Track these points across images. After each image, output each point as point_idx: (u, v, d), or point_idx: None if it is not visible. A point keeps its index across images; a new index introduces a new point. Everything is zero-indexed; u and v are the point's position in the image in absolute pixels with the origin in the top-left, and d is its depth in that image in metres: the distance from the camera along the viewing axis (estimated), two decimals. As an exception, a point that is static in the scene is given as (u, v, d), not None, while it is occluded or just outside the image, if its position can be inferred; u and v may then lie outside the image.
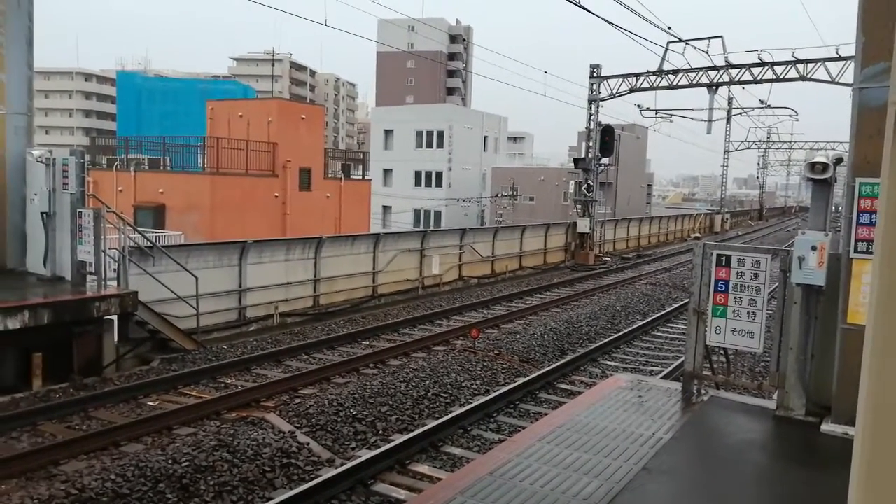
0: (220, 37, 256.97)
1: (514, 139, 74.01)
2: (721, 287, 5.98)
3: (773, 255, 5.94)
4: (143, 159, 27.27)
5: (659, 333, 14.02)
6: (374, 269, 16.93)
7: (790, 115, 42.98)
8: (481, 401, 8.54)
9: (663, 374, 10.12)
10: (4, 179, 11.31)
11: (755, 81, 24.24)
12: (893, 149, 1.35)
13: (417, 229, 35.20)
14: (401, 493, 6.17)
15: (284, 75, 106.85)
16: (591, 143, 27.89)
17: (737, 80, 24.70)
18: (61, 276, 10.73)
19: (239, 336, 12.88)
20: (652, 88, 26.33)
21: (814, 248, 5.38)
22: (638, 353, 12.30)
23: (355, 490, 6.21)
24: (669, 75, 25.46)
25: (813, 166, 5.69)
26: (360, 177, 33.44)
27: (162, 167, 26.71)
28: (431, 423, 7.68)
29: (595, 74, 27.56)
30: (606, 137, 27.42)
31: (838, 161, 5.80)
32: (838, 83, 22.15)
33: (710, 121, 29.18)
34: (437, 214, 50.53)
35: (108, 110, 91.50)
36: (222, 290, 13.16)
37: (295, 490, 5.88)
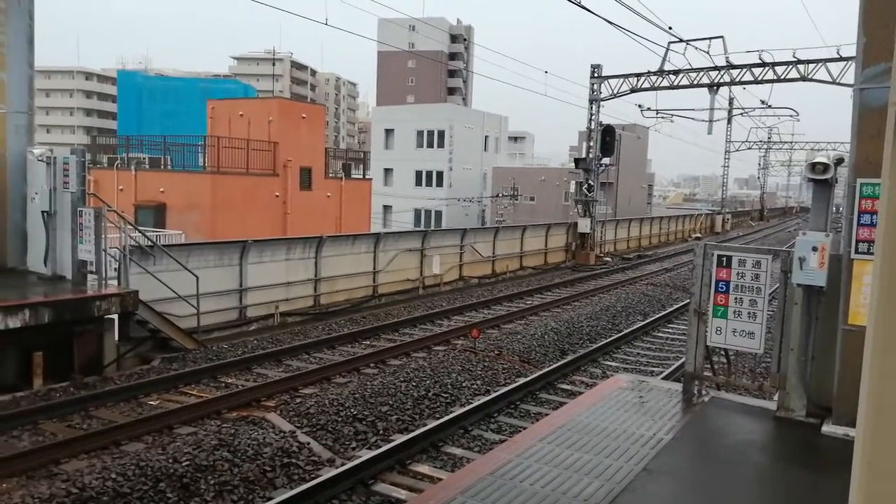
0: (220, 36, 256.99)
1: (515, 139, 74.07)
2: (722, 287, 5.97)
3: (774, 256, 5.93)
4: (144, 158, 27.28)
5: (660, 334, 14.02)
6: (374, 268, 16.94)
7: (791, 116, 42.97)
8: (482, 401, 8.54)
9: (664, 374, 10.12)
10: (5, 178, 11.31)
11: (756, 82, 24.24)
12: (894, 149, 1.35)
13: (418, 229, 35.20)
14: (401, 493, 6.17)
15: (285, 74, 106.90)
16: (591, 144, 27.89)
17: (738, 80, 24.71)
18: (62, 275, 10.73)
19: (239, 335, 12.88)
20: (653, 88, 26.33)
21: (815, 249, 5.38)
22: (639, 354, 12.30)
23: (356, 490, 6.21)
24: (670, 75, 25.45)
25: (814, 167, 5.69)
26: (361, 176, 33.44)
27: (163, 166, 26.72)
28: (432, 423, 7.68)
29: (596, 74, 27.56)
30: (607, 137, 27.41)
31: (839, 162, 5.79)
32: (839, 84, 22.15)
33: (711, 121, 29.22)
34: (438, 214, 50.53)
35: (108, 109, 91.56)
36: (223, 290, 13.17)
37: (295, 490, 5.88)
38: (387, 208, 49.98)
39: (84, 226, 10.44)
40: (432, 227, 33.52)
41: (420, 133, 53.21)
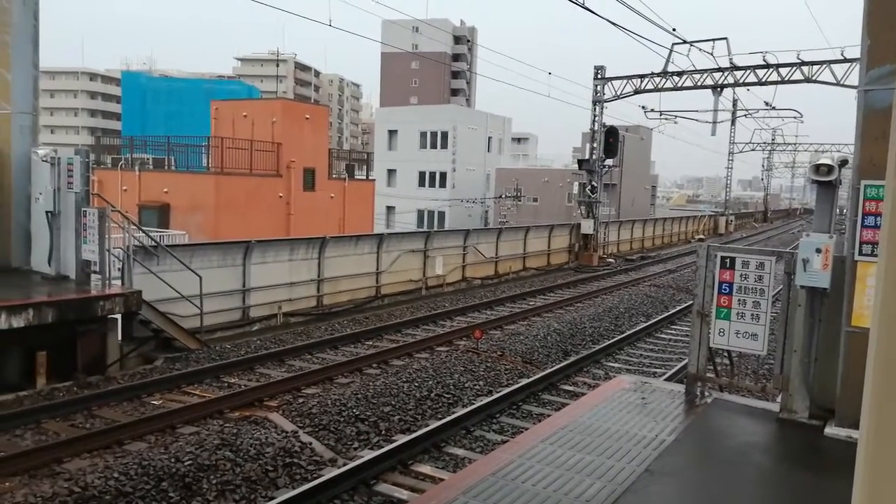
0: (224, 37, 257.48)
1: (518, 140, 74.07)
2: (725, 289, 5.96)
3: (778, 258, 5.92)
4: (148, 159, 27.37)
5: (662, 335, 14.00)
6: (377, 269, 16.95)
7: (795, 117, 42.88)
8: (484, 402, 8.53)
9: (666, 375, 10.10)
10: (10, 178, 11.35)
11: (760, 83, 24.20)
12: (899, 151, 1.34)
13: (421, 230, 35.24)
14: (403, 494, 6.17)
15: (289, 76, 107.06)
16: (595, 145, 27.85)
17: (741, 81, 24.68)
18: (66, 275, 10.76)
19: (242, 335, 12.90)
20: (656, 90, 26.30)
21: (818, 251, 5.36)
22: (641, 355, 12.29)
23: (358, 490, 6.21)
24: (674, 77, 25.42)
25: (818, 168, 5.67)
26: (364, 177, 33.47)
27: (166, 167, 26.80)
28: (434, 424, 7.68)
29: (599, 76, 27.54)
30: (611, 139, 27.40)
31: (843, 163, 5.77)
32: (843, 85, 22.10)
33: (714, 122, 29.17)
34: (441, 215, 50.55)
35: (112, 110, 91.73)
36: (226, 290, 13.19)
37: (297, 490, 5.88)
38: (390, 209, 50.01)
39: (88, 226, 10.46)
40: (435, 228, 33.52)
41: (423, 134, 53.23)
